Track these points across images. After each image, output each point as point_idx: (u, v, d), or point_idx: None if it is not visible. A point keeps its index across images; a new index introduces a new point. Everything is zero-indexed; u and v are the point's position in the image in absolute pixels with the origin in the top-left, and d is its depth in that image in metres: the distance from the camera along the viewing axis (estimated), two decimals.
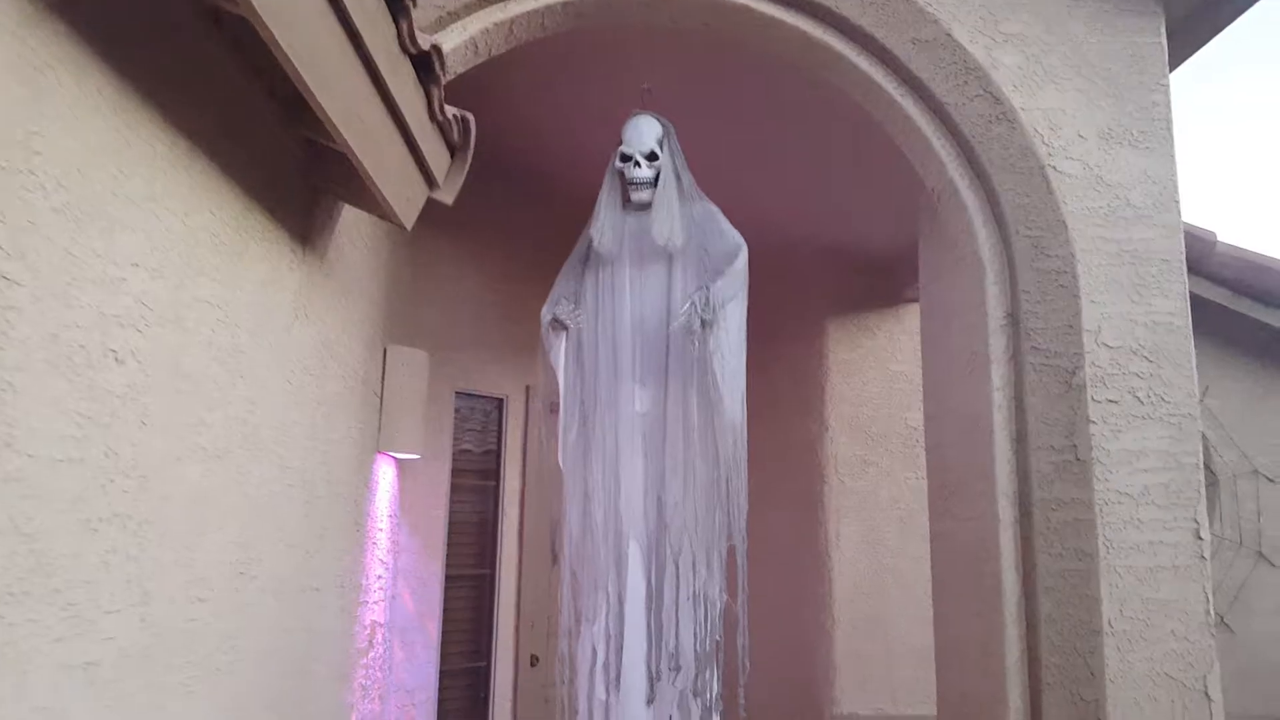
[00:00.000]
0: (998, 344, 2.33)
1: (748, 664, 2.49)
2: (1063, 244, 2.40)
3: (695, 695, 2.48)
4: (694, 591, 2.51)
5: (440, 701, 3.60)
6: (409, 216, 2.33)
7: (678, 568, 2.56)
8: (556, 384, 2.64)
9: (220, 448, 1.66)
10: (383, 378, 3.22)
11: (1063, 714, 2.06)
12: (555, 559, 2.54)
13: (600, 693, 2.47)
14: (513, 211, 3.94)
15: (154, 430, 1.40)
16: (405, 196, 2.25)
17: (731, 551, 2.52)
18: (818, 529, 4.27)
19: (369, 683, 3.11)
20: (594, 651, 2.48)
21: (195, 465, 1.55)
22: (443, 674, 3.63)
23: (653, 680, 2.51)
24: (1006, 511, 2.22)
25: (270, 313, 1.97)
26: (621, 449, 2.64)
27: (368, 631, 3.10)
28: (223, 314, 1.66)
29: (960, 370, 2.48)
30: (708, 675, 2.46)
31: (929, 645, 4.10)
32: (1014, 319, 2.34)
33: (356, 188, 2.11)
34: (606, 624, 2.49)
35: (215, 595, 1.62)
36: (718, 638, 2.49)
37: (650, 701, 2.53)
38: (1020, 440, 2.21)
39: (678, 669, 2.51)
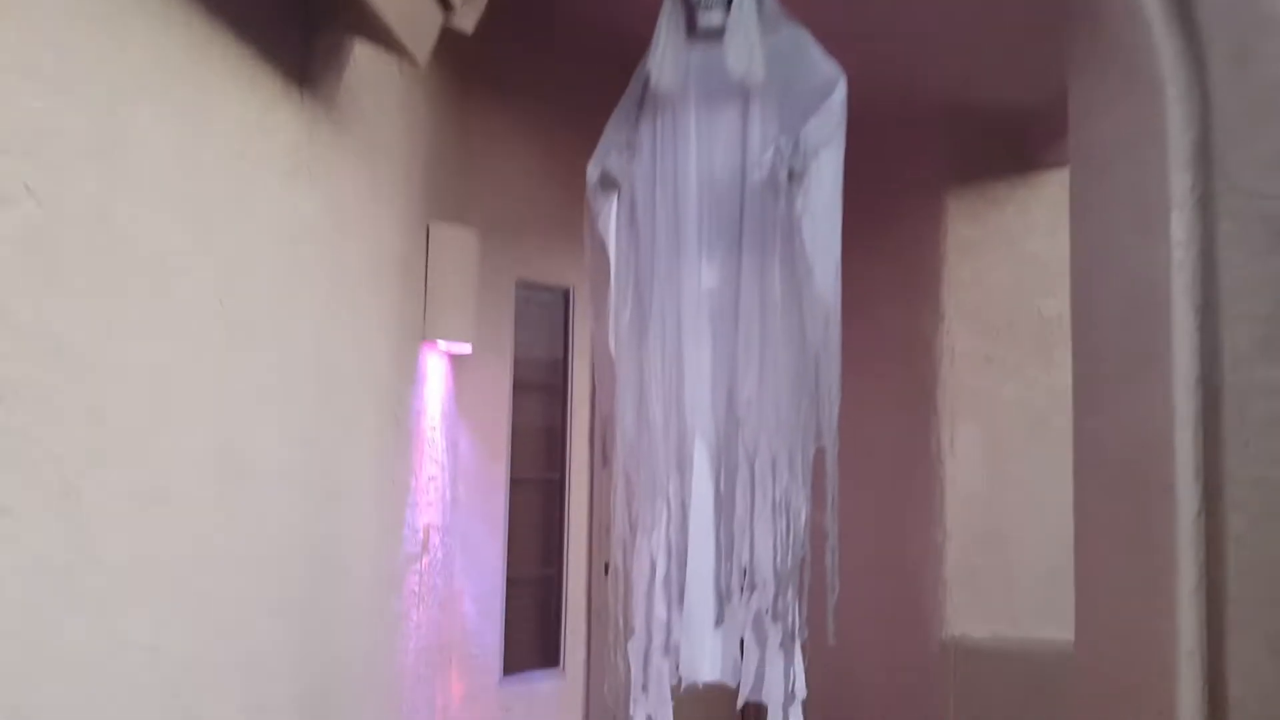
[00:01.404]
0: (1180, 185, 1.76)
1: (837, 584, 2.15)
2: (1276, 47, 1.79)
3: (774, 619, 2.15)
4: (773, 499, 2.14)
5: (508, 610, 3.41)
6: (420, 46, 1.94)
7: (753, 471, 2.19)
8: (606, 255, 2.23)
9: (183, 323, 1.36)
10: (426, 259, 2.90)
11: (1255, 658, 1.59)
12: (605, 460, 2.19)
13: (660, 611, 2.18)
14: (581, 76, 3.48)
15: (68, 291, 1.11)
16: (412, 19, 1.85)
17: (820, 454, 2.13)
18: (928, 433, 3.79)
19: (425, 589, 2.93)
20: (652, 565, 2.17)
21: (138, 342, 1.25)
22: (510, 582, 3.43)
23: (722, 599, 2.20)
24: (1185, 403, 1.70)
25: (255, 164, 1.63)
26: (685, 332, 2.23)
27: (420, 535, 2.90)
28: (176, 155, 1.34)
29: (1125, 226, 1.93)
30: (789, 596, 2.12)
31: (1057, 565, 3.63)
32: (1205, 151, 1.76)
33: (355, 9, 1.73)
34: (667, 534, 2.17)
35: (180, 499, 1.35)
36: (802, 553, 2.12)
37: (719, 623, 2.22)
38: (1208, 310, 1.68)
39: (752, 588, 2.18)
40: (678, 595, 2.25)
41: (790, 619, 2.18)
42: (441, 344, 2.99)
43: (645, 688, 2.18)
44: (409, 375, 2.80)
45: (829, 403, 2.10)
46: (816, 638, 2.29)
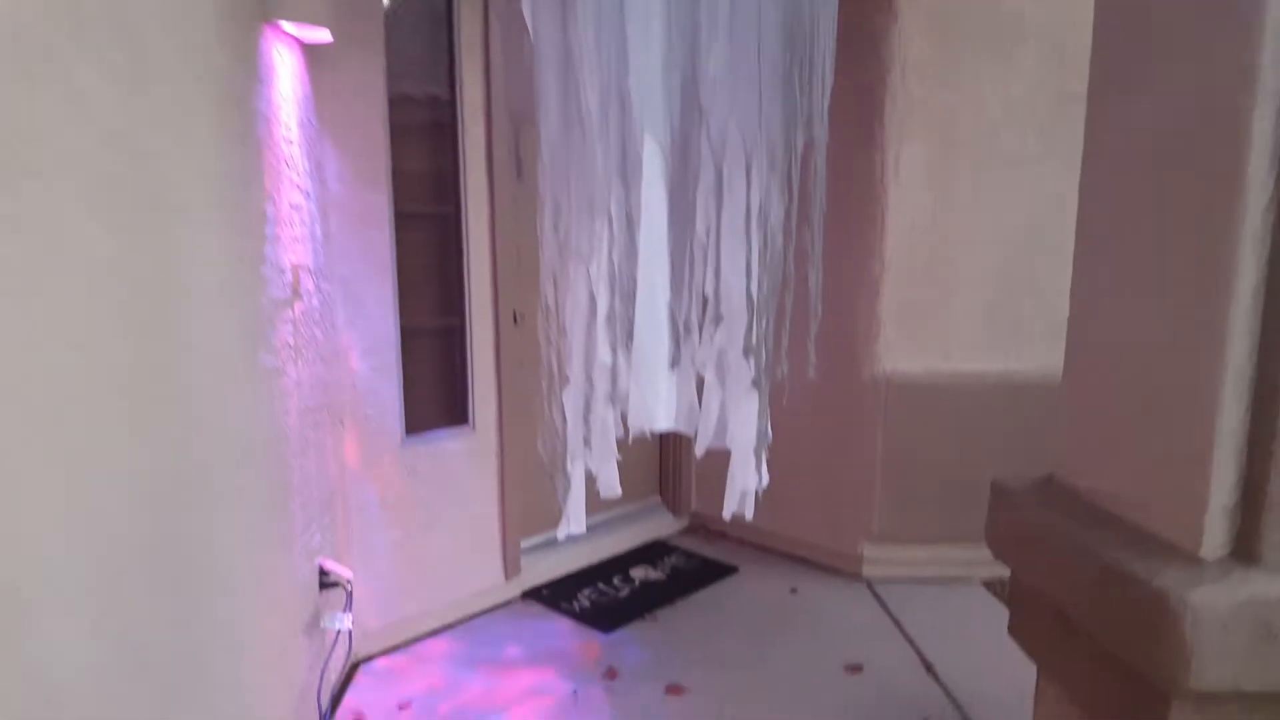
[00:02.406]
0: None
1: (820, 308, 1.85)
2: None
3: (746, 354, 1.85)
4: (746, 208, 1.73)
5: (406, 365, 2.99)
6: None
7: (720, 175, 1.75)
8: None
9: None
10: None
11: None
12: (520, 170, 1.70)
13: (604, 354, 1.83)
14: None
15: None
16: None
17: (808, 150, 1.70)
18: (872, 154, 3.41)
19: (302, 342, 2.45)
20: (591, 300, 1.77)
21: None
22: (406, 334, 2.98)
23: (679, 336, 1.86)
24: (1270, 74, 1.31)
25: None
26: None
27: (288, 277, 2.37)
28: None
29: None
30: (764, 327, 1.79)
31: (995, 301, 3.51)
32: None
33: None
34: (610, 260, 1.75)
35: None
36: (781, 275, 1.76)
37: (675, 364, 1.92)
38: None
39: (717, 321, 1.85)
40: (624, 335, 1.89)
41: (764, 354, 1.89)
42: (288, 27, 2.28)
43: (588, 441, 1.89)
44: (249, 68, 2.12)
45: (821, 78, 1.64)
46: (796, 373, 2.05)
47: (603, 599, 3.40)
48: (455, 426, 3.18)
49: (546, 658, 2.94)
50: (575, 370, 1.86)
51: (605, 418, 1.89)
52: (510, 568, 3.39)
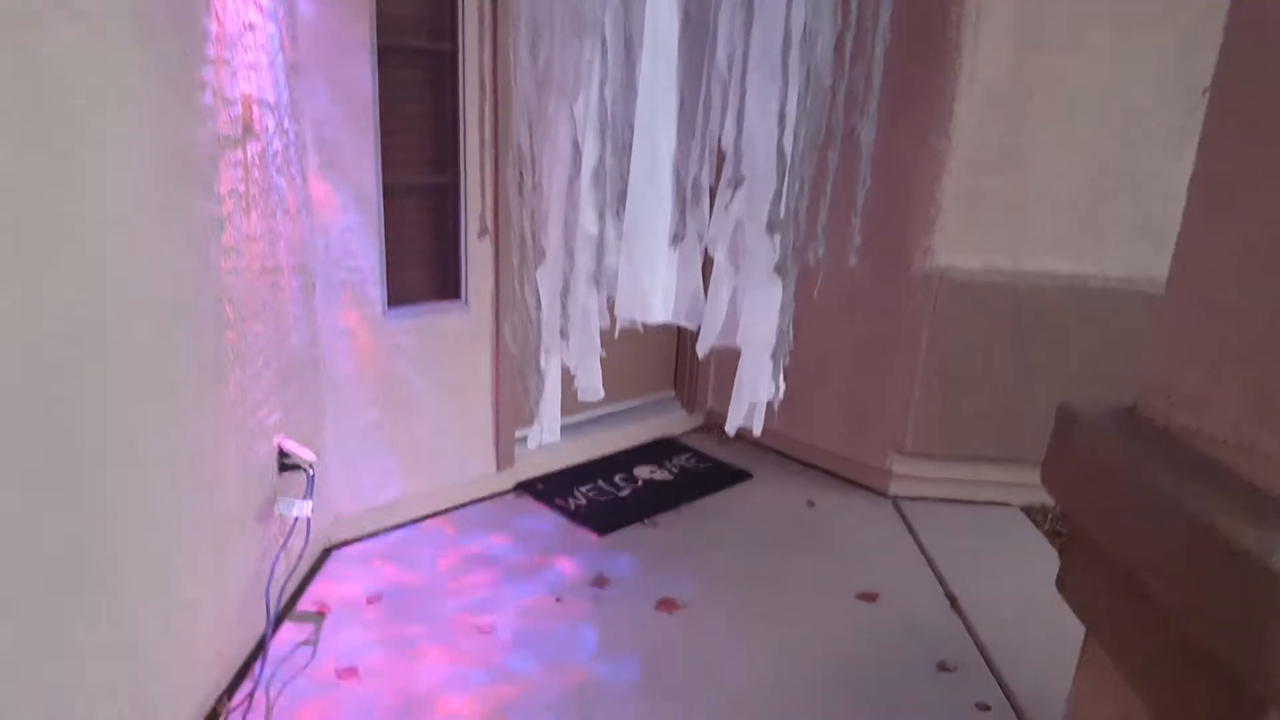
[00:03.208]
0: None
1: (869, 177, 1.50)
2: None
3: (771, 230, 1.51)
4: (785, 30, 1.33)
5: (389, 227, 2.70)
6: None
7: None
8: None
9: None
10: None
11: None
12: None
13: (588, 222, 1.50)
14: None
15: None
16: None
17: None
18: (946, 8, 2.92)
19: (255, 190, 2.16)
20: (575, 149, 1.42)
21: None
22: (391, 191, 2.67)
23: (685, 203, 1.52)
24: None
25: None
26: None
27: (238, 111, 2.05)
28: None
29: None
30: (796, 193, 1.44)
31: (1081, 198, 3.04)
32: None
33: None
34: (601, 99, 1.39)
35: None
36: (825, 127, 1.39)
37: (678, 239, 1.59)
38: None
39: (737, 183, 1.50)
40: (615, 198, 1.55)
41: (794, 231, 1.56)
42: None
43: (565, 332, 1.60)
44: None
45: None
46: (833, 259, 1.70)
47: (601, 498, 3.19)
48: (446, 301, 2.90)
49: (532, 557, 2.76)
50: (552, 241, 1.55)
51: (587, 304, 1.59)
52: (503, 458, 3.18)
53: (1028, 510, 3.26)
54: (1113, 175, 3.01)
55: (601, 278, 1.56)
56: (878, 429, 3.31)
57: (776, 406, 2.06)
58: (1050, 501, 3.33)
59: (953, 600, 2.59)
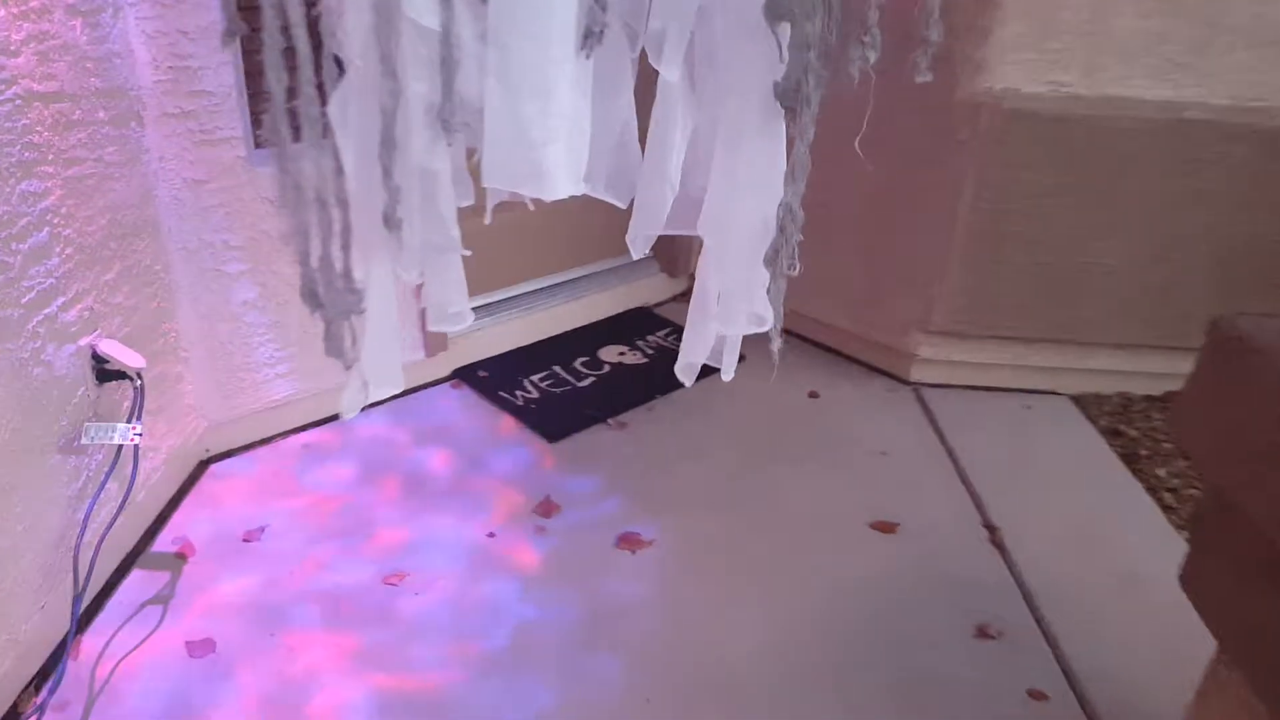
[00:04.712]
0: None
1: None
2: None
3: (775, 15, 0.89)
4: None
5: (253, 40, 1.99)
6: None
7: None
8: None
9: None
10: None
11: None
12: None
13: (423, 5, 0.86)
14: None
15: None
16: None
17: None
18: None
19: None
20: None
21: None
22: None
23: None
24: None
25: None
26: None
27: None
28: None
29: None
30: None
31: None
32: None
33: None
34: None
35: None
36: None
37: (592, 37, 0.97)
38: None
39: None
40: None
41: (826, 10, 0.93)
42: None
43: (390, 216, 0.99)
44: None
45: None
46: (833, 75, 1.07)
47: (557, 389, 2.66)
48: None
49: (463, 474, 2.25)
50: (353, 39, 0.93)
51: (429, 163, 0.98)
52: (433, 340, 2.62)
53: (1079, 401, 2.75)
54: None
55: (452, 111, 0.95)
56: (901, 301, 2.74)
57: (776, 347, 1.48)
58: (1107, 391, 2.81)
59: (992, 531, 2.11)
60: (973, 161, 2.47)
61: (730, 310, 1.50)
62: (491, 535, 2.02)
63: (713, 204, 1.42)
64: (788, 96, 1.13)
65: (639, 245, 1.54)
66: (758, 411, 2.59)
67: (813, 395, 2.71)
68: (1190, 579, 1.16)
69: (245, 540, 1.98)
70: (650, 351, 2.92)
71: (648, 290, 3.31)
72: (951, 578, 1.95)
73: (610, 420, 2.51)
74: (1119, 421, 2.64)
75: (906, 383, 2.79)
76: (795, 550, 2.03)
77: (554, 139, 1.06)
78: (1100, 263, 2.58)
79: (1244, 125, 2.37)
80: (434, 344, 2.61)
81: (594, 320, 3.10)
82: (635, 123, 1.41)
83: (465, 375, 2.69)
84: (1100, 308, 2.64)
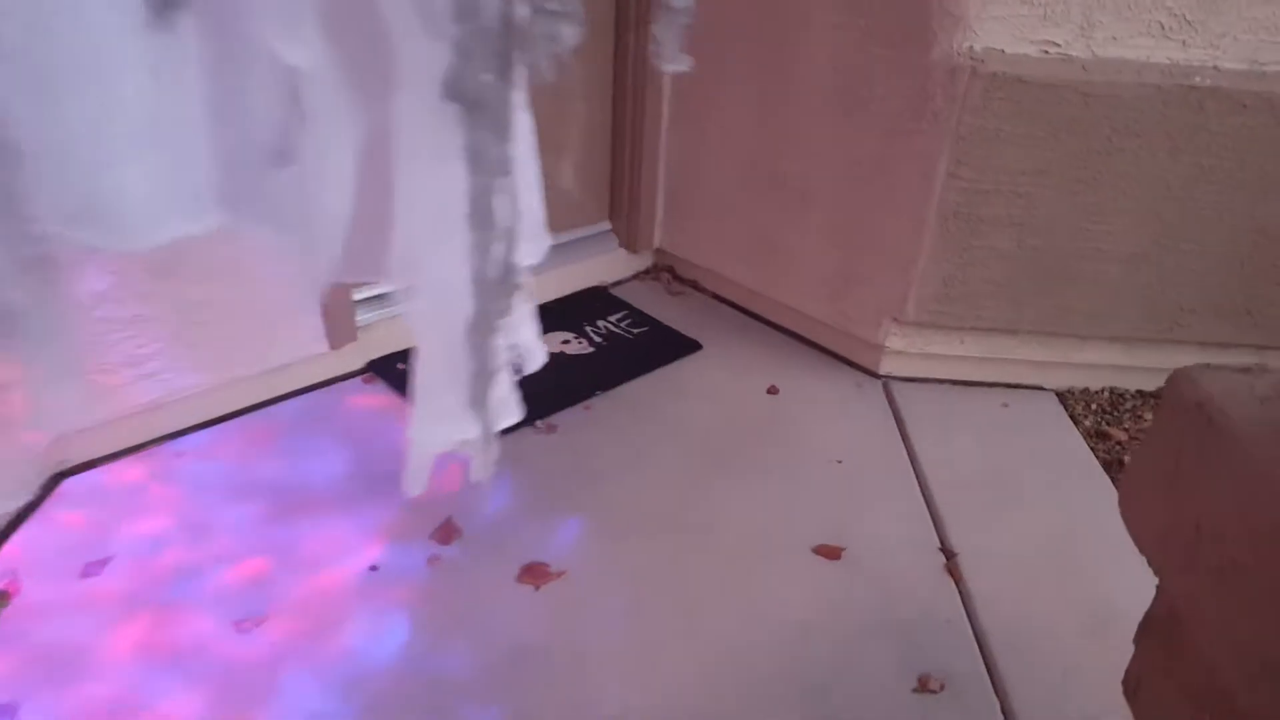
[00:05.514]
0: None
1: None
2: None
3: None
4: None
5: None
6: None
7: None
8: None
9: None
10: None
11: None
12: None
13: None
14: None
15: None
16: None
17: None
18: None
19: None
20: None
21: None
22: None
23: None
24: None
25: None
26: None
27: None
28: None
29: None
30: None
31: None
32: None
33: None
34: None
35: None
36: None
37: (168, 5, 0.71)
38: None
39: None
40: None
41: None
42: None
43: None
44: None
45: None
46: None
47: None
48: None
49: (352, 493, 2.02)
50: None
51: None
52: (339, 329, 2.39)
53: (1064, 397, 2.52)
54: None
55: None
56: (871, 288, 2.50)
57: (479, 478, 1.17)
58: (1096, 386, 2.57)
59: (949, 558, 1.90)
60: (951, 132, 2.21)
61: (429, 401, 1.12)
62: (374, 569, 1.82)
63: (401, 243, 1.07)
64: (457, 91, 0.81)
65: (309, 295, 1.11)
66: (709, 411, 2.37)
67: (772, 391, 2.49)
68: (1135, 694, 0.95)
69: (84, 575, 1.76)
70: (599, 339, 2.70)
71: (605, 267, 3.07)
72: (896, 616, 1.75)
73: (539, 422, 2.29)
74: (1106, 421, 2.42)
75: (876, 376, 2.57)
76: (727, 581, 1.82)
77: (124, 158, 0.74)
78: (1094, 248, 2.32)
79: (1260, 93, 2.10)
80: (340, 334, 2.39)
81: (546, 300, 2.88)
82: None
83: (380, 368, 2.47)
84: (1093, 297, 2.39)
